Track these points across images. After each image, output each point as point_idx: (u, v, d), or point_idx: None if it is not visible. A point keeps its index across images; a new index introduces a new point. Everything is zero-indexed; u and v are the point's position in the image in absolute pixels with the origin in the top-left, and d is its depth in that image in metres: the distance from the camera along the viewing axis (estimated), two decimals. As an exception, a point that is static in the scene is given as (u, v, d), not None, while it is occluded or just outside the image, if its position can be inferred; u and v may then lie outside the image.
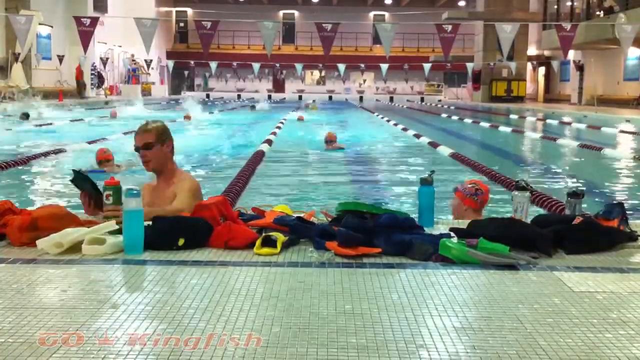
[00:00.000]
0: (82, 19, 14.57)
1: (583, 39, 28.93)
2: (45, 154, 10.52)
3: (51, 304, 2.46)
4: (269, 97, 46.28)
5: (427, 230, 3.47)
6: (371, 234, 3.31)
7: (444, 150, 11.07)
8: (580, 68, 36.36)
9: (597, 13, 32.95)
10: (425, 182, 3.68)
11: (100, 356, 1.98)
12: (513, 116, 25.13)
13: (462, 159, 9.74)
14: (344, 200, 3.91)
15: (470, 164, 9.00)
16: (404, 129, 16.85)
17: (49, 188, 7.97)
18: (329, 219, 3.71)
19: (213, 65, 33.27)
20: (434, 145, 12.20)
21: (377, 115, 24.18)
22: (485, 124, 19.87)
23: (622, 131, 16.67)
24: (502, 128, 18.20)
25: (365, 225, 3.34)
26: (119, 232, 3.27)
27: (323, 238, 3.30)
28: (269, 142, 12.49)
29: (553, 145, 13.69)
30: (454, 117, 23.87)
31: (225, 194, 6.10)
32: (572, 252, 3.26)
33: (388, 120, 20.84)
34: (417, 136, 14.44)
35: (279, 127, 16.61)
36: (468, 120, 21.98)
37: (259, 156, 9.98)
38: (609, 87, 33.89)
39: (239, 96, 46.13)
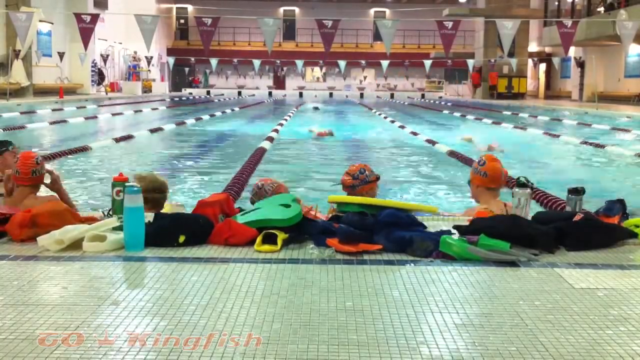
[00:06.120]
0: (82, 16, 14.53)
1: (584, 35, 28.90)
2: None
3: (52, 301, 2.46)
4: (270, 94, 46.26)
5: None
6: (372, 230, 3.31)
7: (441, 148, 11.06)
8: (581, 65, 36.31)
9: (598, 10, 32.90)
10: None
11: (101, 352, 1.99)
12: (513, 113, 25.08)
13: (459, 156, 9.74)
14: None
15: (470, 161, 8.98)
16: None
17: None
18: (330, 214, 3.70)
19: (213, 62, 33.20)
20: (431, 142, 12.19)
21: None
22: (486, 120, 19.84)
23: (622, 128, 16.65)
24: (502, 125, 18.17)
25: (365, 222, 3.34)
26: (119, 229, 3.28)
27: (324, 235, 3.30)
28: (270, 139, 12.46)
29: (554, 142, 13.68)
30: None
31: (227, 190, 6.09)
32: (573, 249, 3.26)
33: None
34: (414, 133, 14.41)
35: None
36: (469, 117, 21.94)
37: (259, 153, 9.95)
38: (610, 84, 33.84)
39: (239, 93, 46.11)
